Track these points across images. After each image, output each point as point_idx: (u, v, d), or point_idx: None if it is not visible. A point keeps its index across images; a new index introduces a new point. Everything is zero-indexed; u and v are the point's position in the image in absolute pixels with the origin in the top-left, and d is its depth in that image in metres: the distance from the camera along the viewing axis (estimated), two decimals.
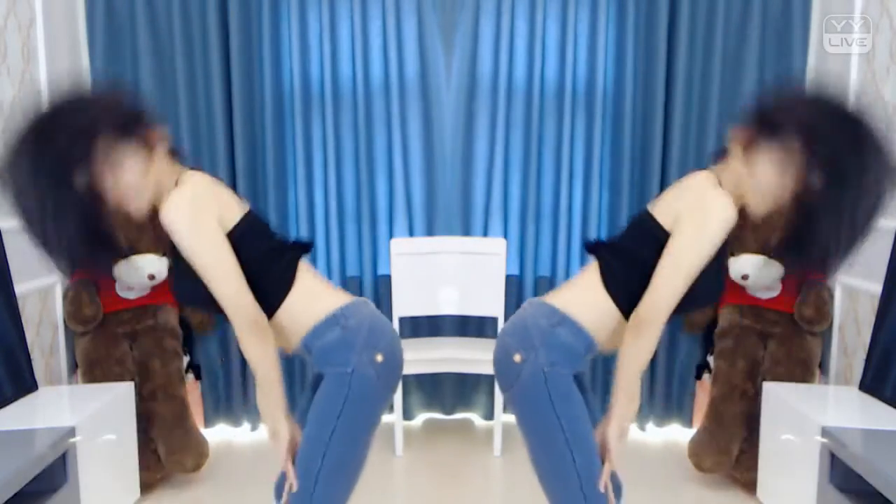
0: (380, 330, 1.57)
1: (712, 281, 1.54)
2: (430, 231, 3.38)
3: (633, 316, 1.50)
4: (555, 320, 1.52)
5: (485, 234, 3.39)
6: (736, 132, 1.49)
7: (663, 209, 1.53)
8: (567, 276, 3.35)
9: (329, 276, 3.34)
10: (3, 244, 2.39)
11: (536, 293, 3.37)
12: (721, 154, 1.54)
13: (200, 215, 1.45)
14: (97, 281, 2.92)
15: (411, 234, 3.39)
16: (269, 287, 1.53)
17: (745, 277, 2.86)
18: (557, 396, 1.49)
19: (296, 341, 1.56)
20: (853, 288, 2.81)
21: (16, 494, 1.85)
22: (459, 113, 3.30)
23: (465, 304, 3.33)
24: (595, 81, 3.22)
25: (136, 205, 1.46)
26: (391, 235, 3.36)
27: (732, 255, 2.95)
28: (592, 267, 1.59)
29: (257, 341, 1.48)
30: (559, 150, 3.28)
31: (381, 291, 3.39)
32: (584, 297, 1.56)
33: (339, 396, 1.49)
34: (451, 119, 3.29)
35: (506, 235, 3.38)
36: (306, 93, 3.24)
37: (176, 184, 1.49)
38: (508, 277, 3.32)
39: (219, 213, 1.48)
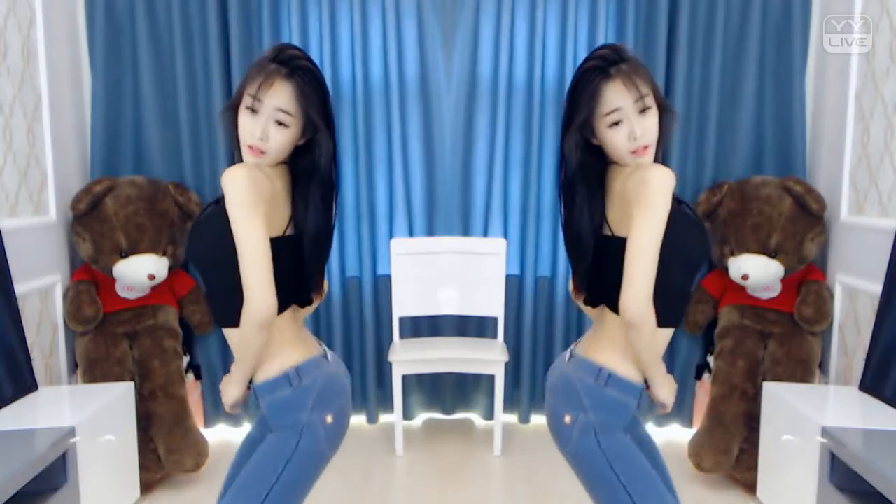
0: (333, 391, 1.52)
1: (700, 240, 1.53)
2: (430, 231, 3.38)
3: (621, 315, 1.43)
4: (602, 380, 1.49)
5: (485, 234, 3.39)
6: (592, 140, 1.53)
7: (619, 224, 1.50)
8: (567, 276, 3.35)
9: (329, 276, 3.34)
10: (3, 244, 2.39)
11: (536, 293, 3.37)
12: (605, 160, 1.55)
13: (258, 197, 1.39)
14: (97, 281, 2.92)
15: (411, 234, 3.39)
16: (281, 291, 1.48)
17: (745, 277, 2.86)
18: (612, 453, 1.47)
19: (255, 379, 1.53)
20: (853, 288, 2.81)
21: (16, 494, 1.86)
22: (459, 113, 3.29)
23: (465, 304, 3.33)
24: None
25: (266, 162, 1.46)
26: (391, 235, 3.37)
27: (732, 255, 2.96)
28: (606, 312, 1.55)
29: (261, 340, 1.43)
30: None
31: (381, 291, 3.39)
32: (621, 346, 1.50)
33: (284, 453, 1.45)
34: (451, 119, 3.29)
35: (506, 235, 3.38)
36: None
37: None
38: (508, 277, 3.32)
39: (269, 212, 1.44)
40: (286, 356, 1.50)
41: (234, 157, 1.52)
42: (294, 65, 1.46)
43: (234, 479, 1.60)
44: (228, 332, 1.51)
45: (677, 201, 1.47)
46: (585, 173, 1.52)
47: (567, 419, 1.51)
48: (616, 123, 1.46)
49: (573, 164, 1.53)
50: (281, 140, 1.46)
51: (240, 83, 1.50)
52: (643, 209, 1.40)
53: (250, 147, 1.45)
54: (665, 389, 1.53)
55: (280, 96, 1.44)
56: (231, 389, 1.52)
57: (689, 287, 1.58)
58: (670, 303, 1.49)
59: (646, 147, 1.46)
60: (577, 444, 1.50)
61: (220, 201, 1.46)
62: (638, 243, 1.40)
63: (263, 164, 1.47)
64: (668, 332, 1.52)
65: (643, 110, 1.45)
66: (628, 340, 1.47)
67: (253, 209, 1.38)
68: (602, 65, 1.47)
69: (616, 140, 1.46)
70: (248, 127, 1.44)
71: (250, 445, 1.60)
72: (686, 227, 1.47)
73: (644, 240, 1.39)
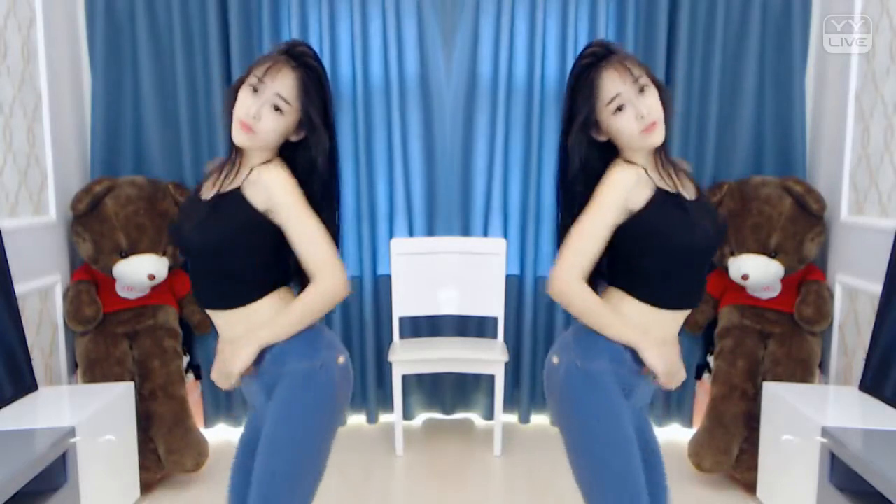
0: (338, 342, 1.60)
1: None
2: (430, 231, 3.38)
3: (548, 290, 1.55)
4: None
5: (485, 234, 3.38)
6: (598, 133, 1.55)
7: None
8: None
9: None
10: (3, 244, 2.39)
11: (536, 293, 3.37)
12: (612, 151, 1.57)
13: (297, 188, 1.51)
14: (97, 281, 2.92)
15: (411, 234, 3.38)
16: (281, 273, 1.56)
17: (745, 277, 2.86)
18: (593, 390, 1.50)
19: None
20: (853, 288, 2.81)
21: (16, 494, 1.86)
22: (459, 113, 3.29)
23: (465, 304, 3.33)
24: None
25: (253, 142, 1.49)
26: (391, 235, 3.36)
27: (732, 255, 2.96)
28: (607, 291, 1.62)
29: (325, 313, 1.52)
30: None
31: (381, 291, 3.39)
32: (614, 307, 1.56)
33: (306, 391, 1.48)
34: (451, 119, 3.29)
35: (506, 235, 3.38)
36: None
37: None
38: (508, 277, 3.32)
39: None
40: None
41: (226, 138, 1.54)
42: (303, 60, 1.50)
43: (239, 477, 1.60)
44: (243, 311, 1.52)
45: (666, 193, 1.50)
46: (588, 173, 1.55)
47: (555, 360, 1.58)
48: (620, 109, 1.48)
49: (576, 164, 1.55)
50: (272, 125, 1.48)
51: (248, 67, 1.54)
52: (592, 198, 1.50)
53: (242, 123, 1.47)
54: (651, 356, 1.50)
55: (283, 83, 1.47)
56: (249, 353, 1.49)
57: (676, 269, 1.55)
58: (651, 283, 1.53)
59: (654, 123, 1.48)
60: (563, 383, 1.54)
61: (227, 195, 1.49)
62: (575, 226, 1.50)
63: (253, 146, 1.49)
64: (651, 310, 1.54)
65: (641, 90, 1.48)
66: (622, 307, 1.54)
67: (303, 200, 1.49)
68: (593, 60, 1.51)
69: (623, 124, 1.48)
70: (246, 104, 1.47)
71: (248, 445, 1.60)
72: (667, 214, 1.49)
73: (581, 224, 1.49)
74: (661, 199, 1.49)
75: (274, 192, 1.47)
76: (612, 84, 1.48)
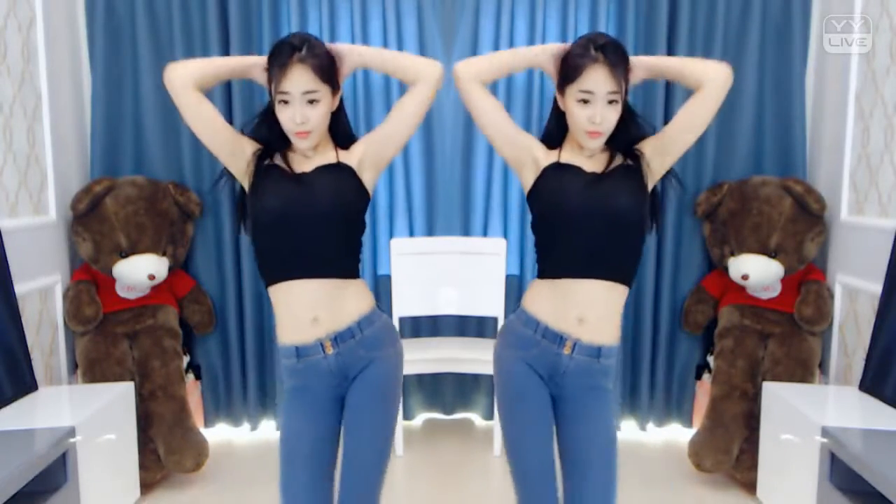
0: None
1: None
2: (430, 231, 3.38)
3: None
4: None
5: (485, 234, 3.38)
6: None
7: None
8: None
9: None
10: (3, 244, 2.39)
11: None
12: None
13: None
14: (97, 281, 2.92)
15: (411, 234, 3.38)
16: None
17: (745, 277, 2.86)
18: (498, 374, 1.72)
19: (351, 317, 1.65)
20: (853, 288, 2.81)
21: (16, 494, 1.86)
22: (459, 113, 3.29)
23: (465, 304, 3.33)
24: None
25: (315, 139, 1.62)
26: (391, 235, 3.36)
27: (732, 255, 2.96)
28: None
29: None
30: None
31: (381, 291, 3.39)
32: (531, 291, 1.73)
33: (397, 376, 1.70)
34: (451, 119, 3.29)
35: (506, 235, 3.38)
36: None
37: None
38: (508, 277, 3.32)
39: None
40: (369, 299, 1.71)
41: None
42: (303, 47, 1.58)
43: (316, 469, 1.64)
44: (338, 283, 1.65)
45: (558, 164, 1.68)
46: (551, 134, 1.74)
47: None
48: (585, 102, 1.57)
49: (551, 122, 1.76)
50: (318, 116, 1.59)
51: (268, 84, 1.63)
52: None
53: (296, 134, 1.59)
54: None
55: (302, 80, 1.56)
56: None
57: (556, 234, 1.66)
58: (540, 254, 1.74)
59: (600, 134, 1.58)
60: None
61: (331, 166, 1.67)
62: None
63: (317, 140, 1.62)
64: (548, 283, 1.67)
65: (610, 102, 1.57)
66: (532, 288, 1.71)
67: None
68: (592, 49, 1.57)
69: (579, 114, 1.58)
70: (287, 116, 1.58)
71: (321, 436, 1.65)
72: (548, 180, 1.70)
73: None
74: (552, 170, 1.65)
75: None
76: (593, 81, 1.55)
